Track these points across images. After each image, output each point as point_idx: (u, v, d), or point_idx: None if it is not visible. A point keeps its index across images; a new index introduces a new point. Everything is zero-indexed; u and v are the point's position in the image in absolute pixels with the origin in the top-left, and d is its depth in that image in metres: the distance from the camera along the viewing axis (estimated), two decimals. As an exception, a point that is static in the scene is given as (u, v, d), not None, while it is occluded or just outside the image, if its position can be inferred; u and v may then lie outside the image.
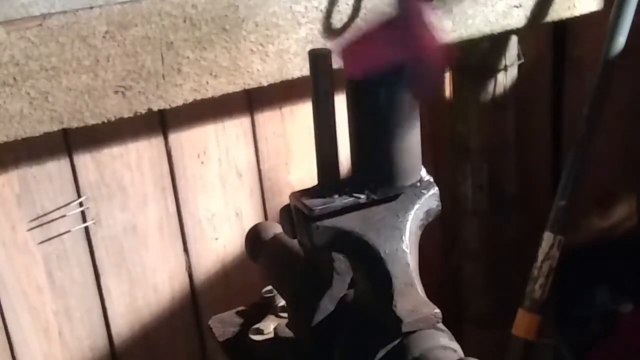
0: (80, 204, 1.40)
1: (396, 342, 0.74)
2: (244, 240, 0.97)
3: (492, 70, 1.66)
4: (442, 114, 1.74)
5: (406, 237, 0.76)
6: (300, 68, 1.36)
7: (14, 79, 1.16)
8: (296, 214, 0.78)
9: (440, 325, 0.75)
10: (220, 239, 1.55)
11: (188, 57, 1.27)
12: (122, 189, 1.43)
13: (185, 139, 1.46)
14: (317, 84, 0.76)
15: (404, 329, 0.72)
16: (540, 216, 1.62)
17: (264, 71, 1.33)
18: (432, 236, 1.75)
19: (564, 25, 1.78)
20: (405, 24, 0.60)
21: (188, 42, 1.26)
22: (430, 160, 1.58)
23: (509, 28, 1.55)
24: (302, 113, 1.55)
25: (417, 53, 0.61)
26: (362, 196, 0.76)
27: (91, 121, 1.24)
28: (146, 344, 1.53)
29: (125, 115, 1.26)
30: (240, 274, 1.55)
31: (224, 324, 0.98)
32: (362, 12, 1.37)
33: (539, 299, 1.58)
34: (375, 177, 0.77)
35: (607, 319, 1.95)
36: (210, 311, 1.10)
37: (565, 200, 1.55)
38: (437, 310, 0.73)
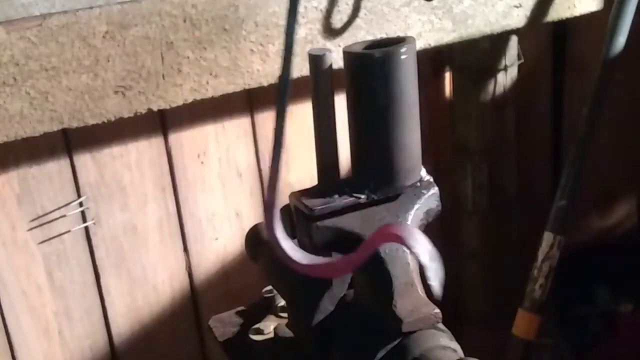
0: (80, 204, 1.40)
1: (396, 342, 0.74)
2: (244, 240, 0.97)
3: (492, 70, 1.66)
4: (442, 114, 1.74)
5: (406, 237, 0.76)
6: (300, 68, 1.35)
7: (14, 79, 1.16)
8: (296, 214, 0.78)
9: (440, 325, 0.75)
10: (220, 239, 1.55)
11: (188, 57, 1.27)
12: (122, 189, 1.43)
13: (185, 139, 1.46)
14: (317, 84, 0.76)
15: (404, 329, 0.72)
16: (540, 216, 1.62)
17: (264, 71, 1.33)
18: (432, 236, 1.75)
19: (564, 25, 1.78)
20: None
21: (188, 42, 1.26)
22: (430, 160, 1.58)
23: (509, 28, 1.55)
24: (302, 113, 1.54)
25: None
26: (362, 196, 0.76)
27: (91, 121, 1.24)
28: (146, 344, 1.53)
29: (125, 115, 1.26)
30: (240, 274, 1.55)
31: (224, 324, 0.98)
32: (362, 12, 1.37)
33: (539, 299, 1.58)
34: (375, 177, 0.77)
35: (607, 319, 1.95)
36: (210, 311, 1.10)
37: (565, 200, 1.55)
38: (437, 310, 0.73)
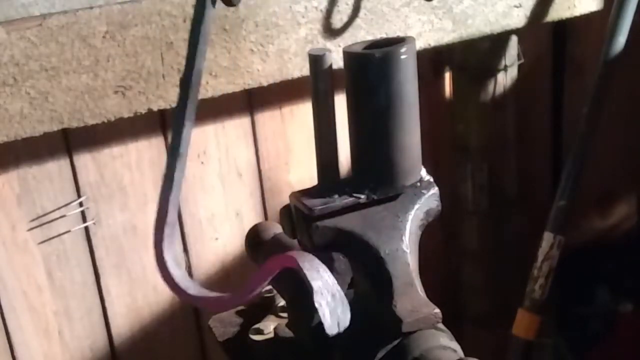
0: (80, 204, 1.40)
1: (396, 342, 0.74)
2: (244, 240, 0.97)
3: (492, 70, 1.66)
4: (442, 114, 1.74)
5: (406, 237, 0.76)
6: (300, 68, 1.36)
7: (14, 79, 1.16)
8: (296, 214, 0.78)
9: (440, 325, 0.75)
10: (220, 239, 1.55)
11: (188, 57, 1.27)
12: (122, 189, 1.43)
13: (185, 139, 1.46)
14: (317, 84, 0.76)
15: (404, 329, 0.72)
16: (540, 216, 1.62)
17: (264, 71, 1.33)
18: (432, 236, 1.75)
19: (564, 25, 1.78)
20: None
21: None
22: (430, 160, 1.58)
23: (509, 28, 1.55)
24: (302, 113, 1.55)
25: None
26: (362, 196, 0.76)
27: (91, 121, 1.24)
28: (146, 344, 1.53)
29: (125, 115, 1.26)
30: (240, 274, 1.55)
31: (224, 324, 0.98)
32: (362, 12, 1.37)
33: (539, 299, 1.58)
34: (375, 177, 0.77)
35: (607, 319, 1.95)
36: (210, 311, 1.10)
37: (565, 200, 1.55)
38: (437, 310, 0.73)
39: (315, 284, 0.64)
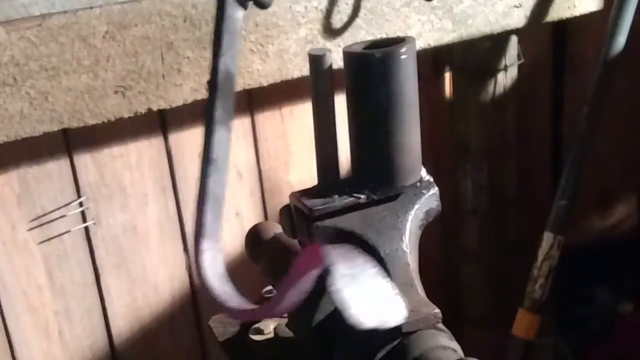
0: (80, 204, 1.40)
1: (396, 342, 0.74)
2: (244, 240, 0.97)
3: (492, 70, 1.66)
4: (442, 114, 1.74)
5: (406, 237, 0.76)
6: (300, 68, 1.36)
7: (14, 79, 1.16)
8: (296, 214, 0.78)
9: (440, 325, 0.75)
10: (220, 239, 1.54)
11: (188, 57, 1.27)
12: (122, 189, 1.43)
13: (185, 139, 1.46)
14: (317, 85, 0.76)
15: (404, 329, 0.72)
16: (540, 216, 1.62)
17: (264, 71, 1.33)
18: (432, 236, 1.75)
19: (564, 25, 1.78)
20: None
21: (188, 42, 1.26)
22: (430, 160, 1.58)
23: (509, 28, 1.55)
24: (302, 113, 1.55)
25: None
26: (362, 196, 0.76)
27: (91, 121, 1.24)
28: (146, 344, 1.53)
29: (125, 115, 1.26)
30: (240, 274, 1.55)
31: (224, 324, 0.98)
32: (362, 12, 1.37)
33: (539, 299, 1.58)
34: (375, 177, 0.77)
35: (607, 319, 1.95)
36: (210, 311, 1.10)
37: (565, 200, 1.55)
38: (437, 310, 0.73)
39: (335, 267, 0.56)
